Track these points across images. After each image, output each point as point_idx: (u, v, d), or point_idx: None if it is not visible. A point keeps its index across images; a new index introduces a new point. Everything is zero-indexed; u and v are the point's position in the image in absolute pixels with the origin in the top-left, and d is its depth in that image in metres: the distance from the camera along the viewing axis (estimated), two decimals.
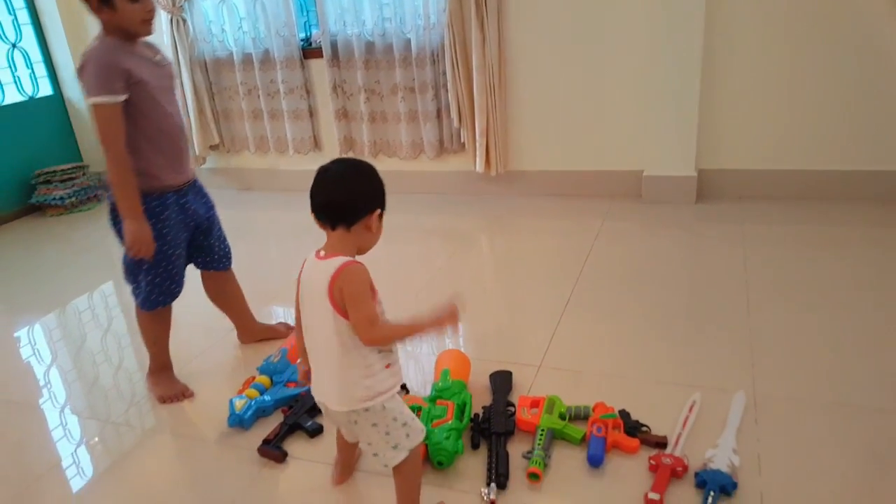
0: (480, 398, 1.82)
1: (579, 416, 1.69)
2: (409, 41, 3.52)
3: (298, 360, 2.04)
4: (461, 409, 1.69)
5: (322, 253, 1.34)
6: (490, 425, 1.65)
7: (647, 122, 3.28)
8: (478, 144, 3.52)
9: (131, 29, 1.73)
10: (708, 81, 3.13)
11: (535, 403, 1.71)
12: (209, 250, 2.09)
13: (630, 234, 3.09)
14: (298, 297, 1.41)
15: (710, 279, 2.57)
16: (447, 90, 3.50)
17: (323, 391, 1.40)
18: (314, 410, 1.82)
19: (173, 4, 3.80)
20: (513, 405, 1.75)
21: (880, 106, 2.97)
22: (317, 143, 4.03)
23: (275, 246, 3.48)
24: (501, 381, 1.84)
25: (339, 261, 1.30)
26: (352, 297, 1.28)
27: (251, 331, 2.33)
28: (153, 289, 1.92)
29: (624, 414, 1.68)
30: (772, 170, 3.21)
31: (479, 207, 3.63)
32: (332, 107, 3.83)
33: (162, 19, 3.84)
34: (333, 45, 3.70)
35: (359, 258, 1.35)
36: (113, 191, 1.75)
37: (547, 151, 3.58)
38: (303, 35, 3.90)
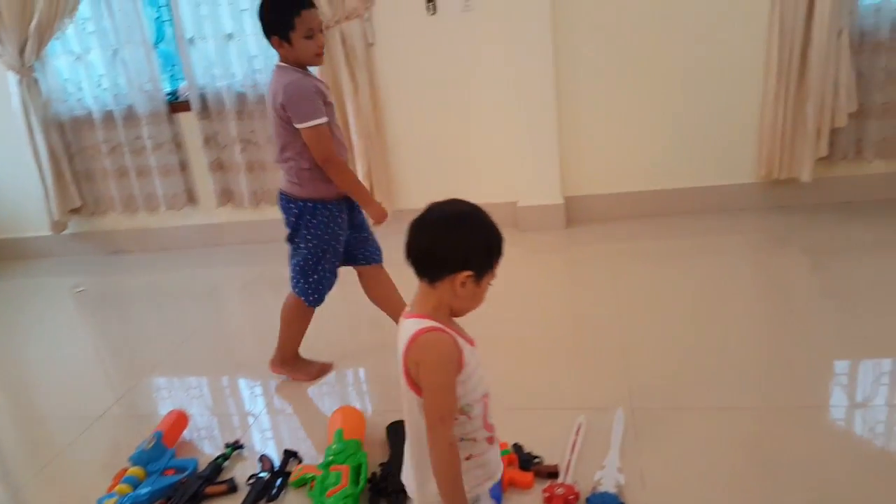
0: (378, 455, 1.82)
1: None
2: None
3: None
4: (356, 471, 1.69)
5: (408, 308, 1.17)
6: (387, 484, 1.66)
7: (516, 157, 3.46)
8: None
9: (306, 62, 1.99)
10: (565, 118, 3.36)
11: None
12: (365, 241, 2.28)
13: (508, 262, 3.19)
14: None
15: (583, 299, 2.75)
16: None
17: (405, 473, 1.22)
18: (197, 498, 1.74)
19: (23, 65, 3.57)
20: None
21: (718, 126, 3.31)
22: (191, 198, 3.91)
23: (152, 311, 3.31)
24: (399, 433, 1.85)
25: (415, 326, 1.12)
26: (425, 380, 1.10)
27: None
28: (323, 284, 2.18)
29: (517, 448, 1.76)
30: (631, 192, 3.48)
31: None
32: (205, 159, 3.73)
33: (10, 82, 3.60)
34: (202, 98, 3.62)
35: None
36: (348, 190, 2.08)
37: (429, 189, 3.64)
38: (168, 89, 3.79)
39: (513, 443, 1.78)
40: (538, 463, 1.71)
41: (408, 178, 3.67)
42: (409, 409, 1.16)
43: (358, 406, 2.11)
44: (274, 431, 2.11)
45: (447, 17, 3.31)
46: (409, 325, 1.13)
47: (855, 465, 1.63)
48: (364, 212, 2.20)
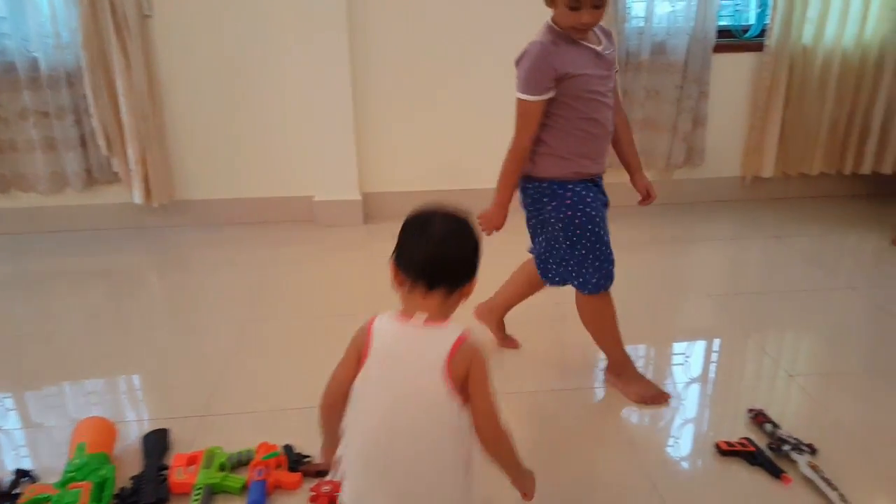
0: (130, 468, 1.64)
1: (242, 462, 1.64)
2: (36, 60, 3.06)
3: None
4: (100, 487, 1.50)
5: (418, 319, 1.12)
6: (138, 497, 1.50)
7: (312, 150, 3.37)
8: (133, 174, 3.22)
9: (565, 30, 1.71)
10: (363, 113, 3.35)
11: (192, 460, 1.61)
12: None
13: (304, 258, 3.14)
14: (360, 366, 1.16)
15: (380, 296, 2.73)
16: (91, 115, 3.14)
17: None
18: None
19: None
20: (167, 468, 1.62)
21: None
22: None
23: None
24: (155, 443, 1.69)
25: (456, 330, 1.11)
26: (481, 381, 1.11)
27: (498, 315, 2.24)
28: (593, 271, 1.83)
29: (288, 449, 1.68)
30: (425, 191, 3.52)
31: (143, 242, 3.33)
32: None
33: None
34: None
35: None
36: (501, 172, 1.84)
37: (216, 179, 3.44)
38: None
39: (283, 444, 1.70)
40: (307, 462, 1.65)
41: (190, 167, 3.40)
42: (440, 419, 1.10)
43: (131, 416, 1.90)
44: (30, 448, 1.81)
45: None
46: (445, 331, 1.12)
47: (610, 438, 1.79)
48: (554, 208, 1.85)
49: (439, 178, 3.54)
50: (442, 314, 1.14)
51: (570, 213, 1.79)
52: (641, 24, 3.26)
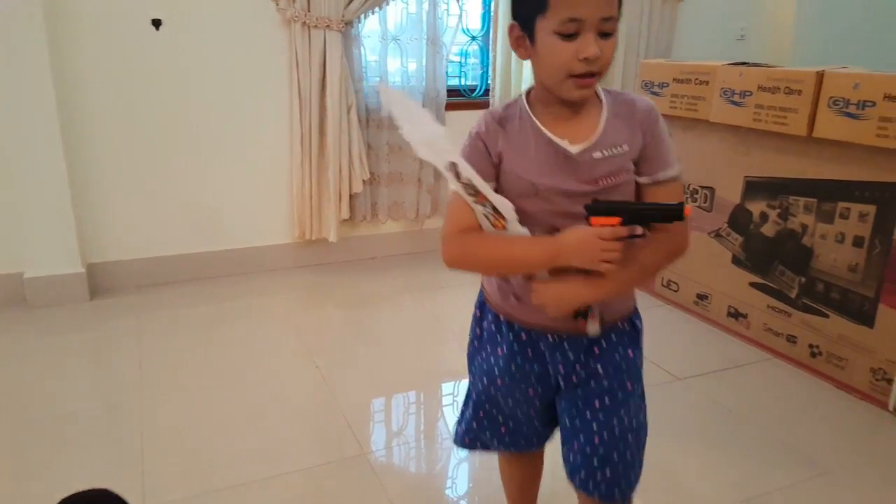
0: None
1: None
2: None
3: None
4: None
5: None
6: None
7: (18, 222, 2.90)
8: None
9: (549, 84, 1.06)
10: (81, 176, 2.98)
11: None
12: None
13: (16, 347, 2.65)
14: None
15: (104, 384, 2.40)
16: None
17: None
18: None
19: None
20: None
21: (254, 191, 3.36)
22: None
23: None
24: None
25: None
26: None
27: None
28: (462, 420, 1.35)
29: None
30: (166, 256, 3.24)
31: None
32: None
33: None
34: None
35: None
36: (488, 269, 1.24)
37: None
38: None
39: None
40: None
41: None
42: None
43: None
44: None
45: None
46: None
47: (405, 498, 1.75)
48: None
49: (183, 240, 3.27)
50: None
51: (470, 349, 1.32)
52: (377, 81, 3.38)
